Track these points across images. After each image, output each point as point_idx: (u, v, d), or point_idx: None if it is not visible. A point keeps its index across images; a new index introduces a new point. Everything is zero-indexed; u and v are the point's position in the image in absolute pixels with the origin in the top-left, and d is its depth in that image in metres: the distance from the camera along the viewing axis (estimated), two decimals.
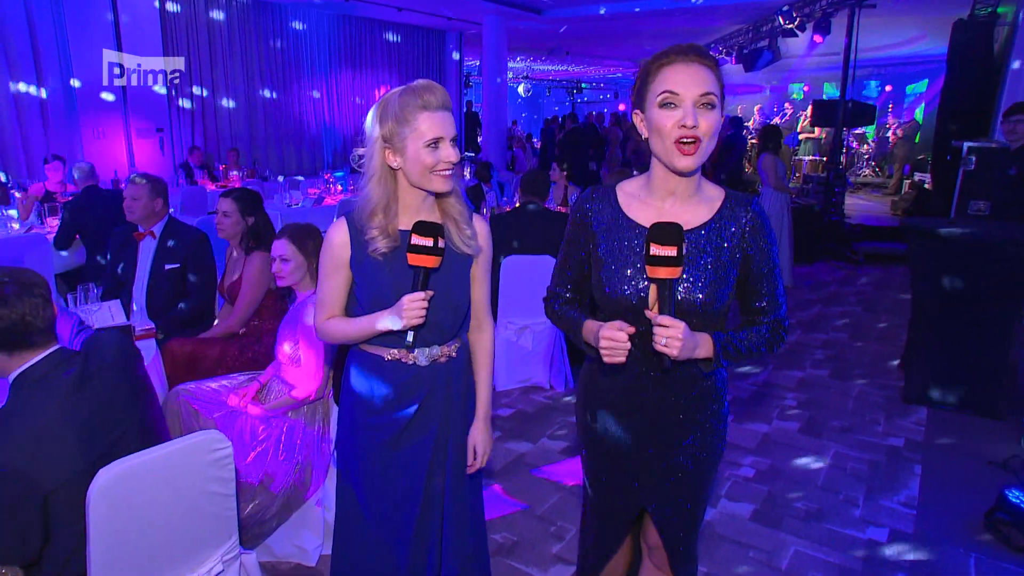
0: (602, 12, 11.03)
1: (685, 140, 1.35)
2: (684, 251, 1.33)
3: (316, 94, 11.82)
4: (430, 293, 1.54)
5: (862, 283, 7.20)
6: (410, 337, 1.54)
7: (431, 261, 1.52)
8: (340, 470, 1.83)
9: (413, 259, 1.52)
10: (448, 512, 1.77)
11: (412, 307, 1.51)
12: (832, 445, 3.54)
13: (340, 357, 2.35)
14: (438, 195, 1.65)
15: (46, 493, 1.50)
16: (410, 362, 1.67)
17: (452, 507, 1.78)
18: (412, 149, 1.53)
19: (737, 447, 3.49)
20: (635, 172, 4.67)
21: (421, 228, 1.51)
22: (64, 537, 1.56)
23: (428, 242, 1.50)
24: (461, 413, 1.78)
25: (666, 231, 1.33)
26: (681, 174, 1.42)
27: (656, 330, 1.34)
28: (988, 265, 3.72)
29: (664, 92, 1.35)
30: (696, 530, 1.69)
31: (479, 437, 1.81)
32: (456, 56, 14.46)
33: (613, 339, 1.38)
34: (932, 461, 3.38)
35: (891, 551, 2.67)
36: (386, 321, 1.57)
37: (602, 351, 1.40)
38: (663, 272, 1.33)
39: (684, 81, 1.34)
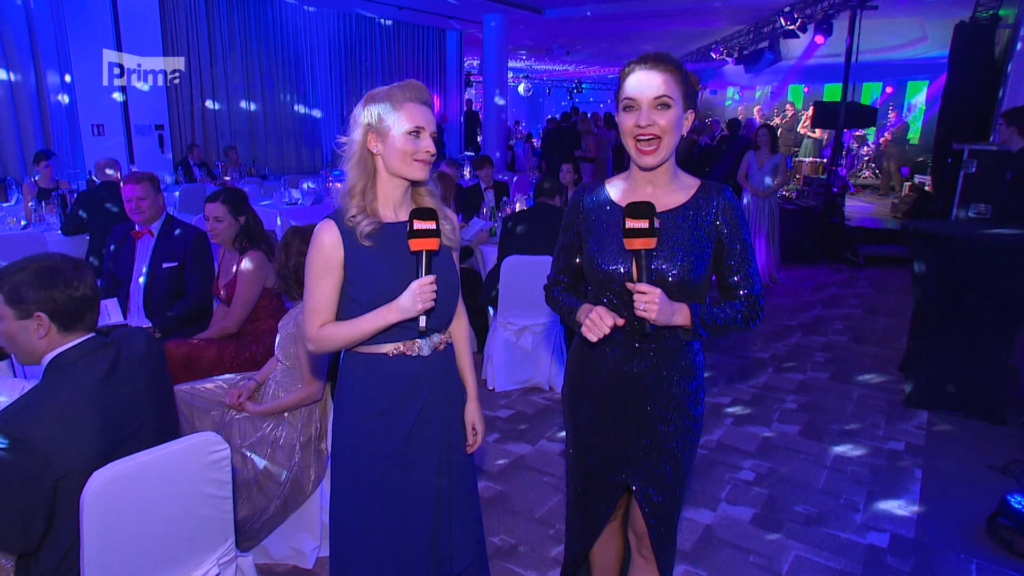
0: (603, 13, 11.00)
1: (642, 138, 1.56)
2: (656, 225, 1.50)
3: (316, 92, 11.79)
4: (434, 276, 1.60)
5: (863, 285, 7.19)
6: (423, 322, 1.58)
7: (434, 244, 1.59)
8: (342, 476, 1.77)
9: (416, 244, 1.58)
10: (456, 500, 1.80)
11: (424, 291, 1.56)
12: (832, 449, 3.52)
13: (335, 360, 2.33)
14: (414, 187, 1.72)
15: (58, 476, 1.50)
16: (414, 353, 1.69)
17: (460, 495, 1.81)
18: (395, 135, 1.61)
19: (737, 450, 3.47)
20: None
21: (420, 214, 1.58)
22: (64, 529, 1.55)
23: (431, 225, 1.58)
24: (459, 399, 1.86)
25: (639, 207, 1.51)
26: (646, 170, 1.62)
27: (635, 297, 1.51)
28: (989, 268, 3.71)
29: (625, 98, 1.58)
30: (677, 511, 1.79)
31: (476, 415, 1.89)
32: (456, 55, 14.43)
33: (601, 319, 1.57)
34: (933, 465, 3.36)
35: (892, 556, 2.65)
36: (396, 311, 1.59)
37: (585, 323, 1.60)
38: (638, 243, 1.51)
39: (640, 87, 1.55)
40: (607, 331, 1.56)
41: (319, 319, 1.66)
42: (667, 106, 1.54)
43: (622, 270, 1.61)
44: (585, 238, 1.73)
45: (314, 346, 1.69)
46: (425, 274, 1.58)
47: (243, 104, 10.57)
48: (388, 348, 1.68)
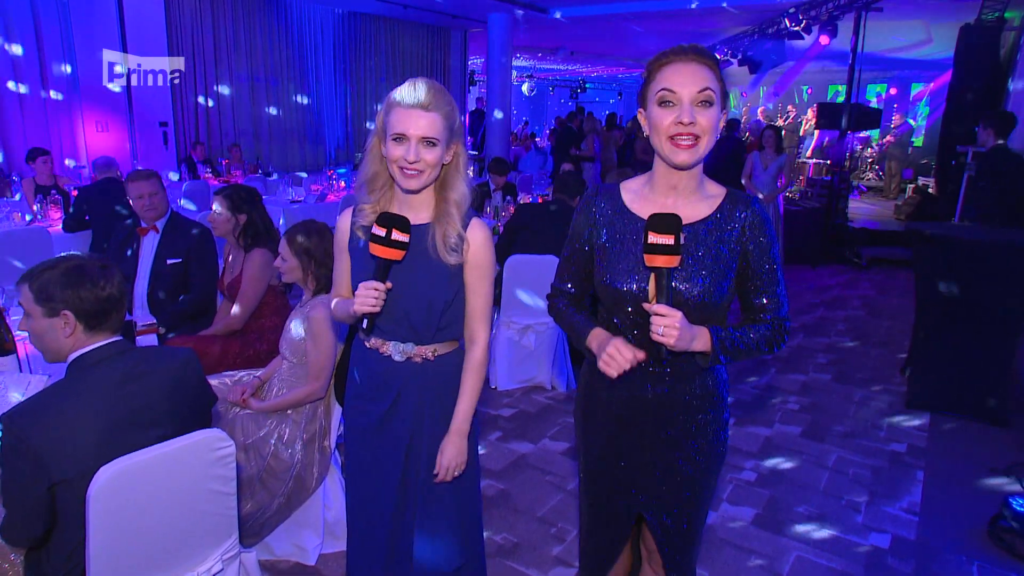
0: (608, 13, 10.99)
1: (680, 136, 1.37)
2: (681, 241, 1.34)
3: (320, 91, 11.80)
4: (388, 285, 1.57)
5: (865, 287, 7.18)
6: (364, 324, 1.59)
7: (389, 252, 1.55)
8: (346, 447, 1.89)
9: (373, 248, 1.56)
10: (420, 522, 1.78)
11: (363, 293, 1.54)
12: (834, 450, 3.52)
13: (346, 351, 2.36)
14: (438, 195, 1.67)
15: (53, 482, 1.50)
16: (385, 353, 1.73)
17: (425, 519, 1.78)
18: (387, 140, 1.59)
19: (739, 451, 3.48)
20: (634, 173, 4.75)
21: (382, 218, 1.55)
22: (74, 526, 1.56)
23: (381, 232, 1.53)
24: (438, 422, 1.76)
25: (664, 220, 1.34)
26: (680, 168, 1.43)
27: (653, 319, 1.34)
28: (993, 270, 3.71)
29: (662, 90, 1.38)
30: (695, 540, 1.65)
31: (447, 449, 1.72)
32: (460, 54, 14.43)
33: (620, 354, 1.40)
34: (935, 467, 3.36)
35: (893, 557, 2.65)
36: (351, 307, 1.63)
37: (602, 357, 1.42)
38: (660, 260, 1.34)
39: (681, 79, 1.36)
40: (627, 367, 1.39)
41: (334, 291, 1.84)
42: (709, 103, 1.36)
43: (636, 288, 1.45)
44: (596, 249, 1.56)
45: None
46: (377, 279, 1.55)
47: (247, 101, 10.57)
48: (366, 339, 1.76)
